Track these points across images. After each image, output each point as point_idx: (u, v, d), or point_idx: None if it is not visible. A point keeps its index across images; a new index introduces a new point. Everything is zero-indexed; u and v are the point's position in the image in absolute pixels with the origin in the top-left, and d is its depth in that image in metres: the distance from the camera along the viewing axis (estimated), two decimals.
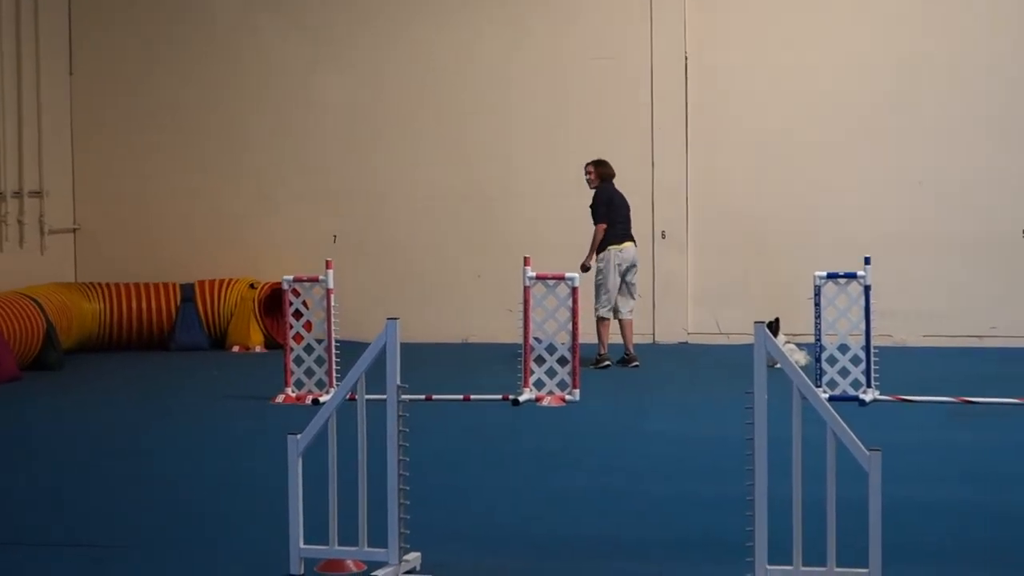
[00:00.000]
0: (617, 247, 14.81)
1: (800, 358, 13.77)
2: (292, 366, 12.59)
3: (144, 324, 17.20)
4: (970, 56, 16.51)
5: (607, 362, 14.76)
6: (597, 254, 14.88)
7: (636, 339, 15.11)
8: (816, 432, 5.98)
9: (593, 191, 15.01)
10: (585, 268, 14.72)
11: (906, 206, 16.63)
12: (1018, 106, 16.43)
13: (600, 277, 14.85)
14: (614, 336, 14.99)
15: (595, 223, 14.86)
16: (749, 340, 5.94)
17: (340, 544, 6.50)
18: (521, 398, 12.30)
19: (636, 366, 14.81)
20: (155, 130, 18.49)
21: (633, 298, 15.01)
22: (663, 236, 17.02)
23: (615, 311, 14.90)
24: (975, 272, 16.48)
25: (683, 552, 7.14)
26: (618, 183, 15.17)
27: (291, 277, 12.82)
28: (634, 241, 15.00)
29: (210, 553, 7.20)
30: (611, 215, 14.83)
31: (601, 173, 15.06)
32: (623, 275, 14.89)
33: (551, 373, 12.53)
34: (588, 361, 14.51)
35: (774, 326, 14.32)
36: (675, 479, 9.04)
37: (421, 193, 17.76)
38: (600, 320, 14.83)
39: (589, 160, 15.24)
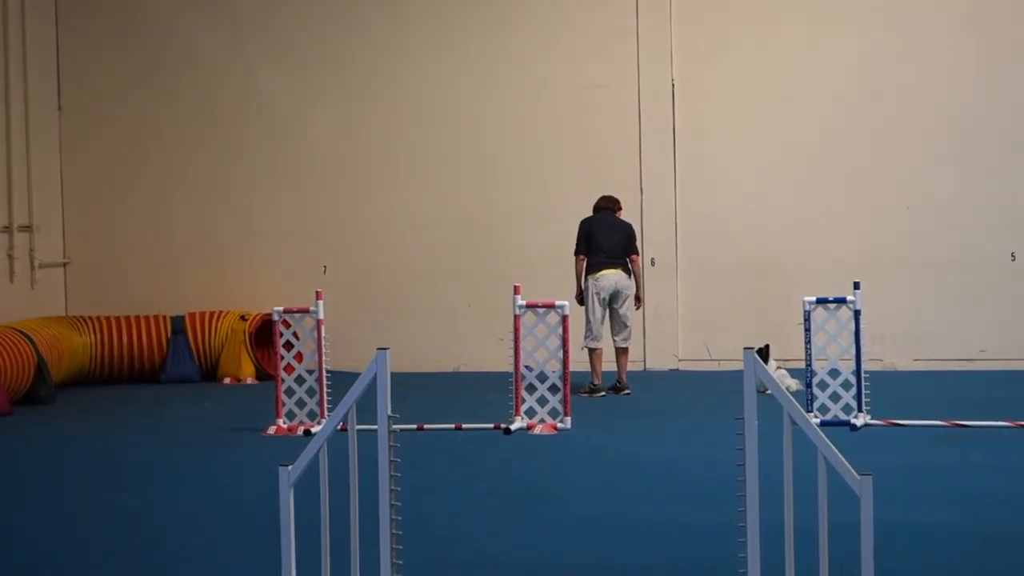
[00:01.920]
0: (593, 276, 14.82)
1: (791, 384, 13.79)
2: (283, 397, 12.58)
3: (135, 357, 17.20)
4: (959, 83, 16.59)
5: (601, 392, 14.76)
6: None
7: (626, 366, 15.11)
8: (807, 457, 5.98)
9: None
10: (578, 300, 14.76)
11: (895, 230, 16.68)
12: (1006, 131, 16.50)
13: (584, 308, 14.89)
14: (609, 364, 14.99)
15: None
16: (740, 366, 5.94)
17: None
18: (513, 427, 12.29)
19: (627, 394, 14.81)
20: (144, 164, 18.53)
21: (626, 326, 14.97)
22: (652, 263, 17.06)
23: (612, 339, 14.93)
24: (964, 295, 16.53)
25: None
26: None
27: (281, 308, 12.82)
28: (622, 268, 14.95)
29: None
30: (589, 246, 14.85)
31: (594, 206, 15.14)
32: (609, 304, 14.89)
33: (542, 401, 12.53)
34: (581, 388, 14.52)
35: (764, 352, 14.34)
36: (667, 505, 9.03)
37: (411, 223, 17.79)
38: (589, 351, 14.84)
39: None
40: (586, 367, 14.87)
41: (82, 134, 18.63)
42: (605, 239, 14.88)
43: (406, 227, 17.83)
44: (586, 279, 14.86)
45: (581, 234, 14.95)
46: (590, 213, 15.16)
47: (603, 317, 14.90)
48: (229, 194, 18.34)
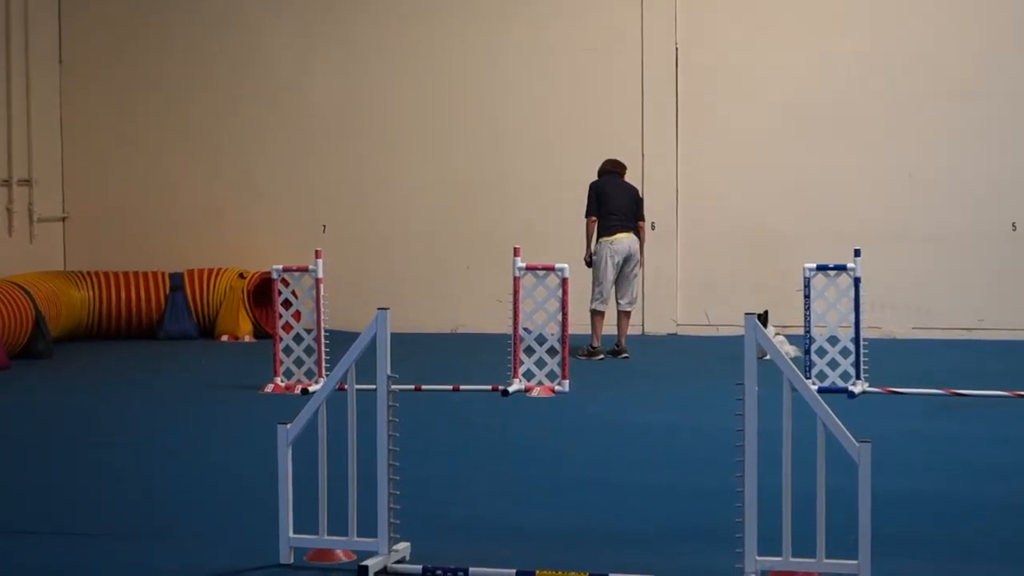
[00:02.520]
0: (608, 239, 14.78)
1: (790, 350, 13.78)
2: (281, 355, 12.57)
3: (133, 313, 17.19)
4: (959, 52, 16.53)
5: (600, 355, 14.74)
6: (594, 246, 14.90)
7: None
8: (806, 424, 5.98)
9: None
10: (586, 262, 14.74)
11: (895, 199, 16.65)
12: (1007, 101, 16.46)
13: (595, 270, 14.84)
14: (609, 328, 14.97)
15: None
16: (738, 332, 5.94)
17: (330, 534, 6.48)
18: (510, 388, 12.29)
19: (626, 358, 14.80)
20: (144, 119, 18.47)
21: (632, 290, 14.95)
22: (653, 227, 17.00)
23: (617, 302, 14.92)
24: (964, 265, 16.52)
25: (673, 543, 7.13)
26: None
27: (280, 266, 12.80)
28: (634, 232, 14.88)
29: (199, 542, 7.18)
30: (600, 208, 14.80)
31: (600, 170, 15.06)
32: (621, 267, 14.85)
33: (540, 364, 12.51)
34: (580, 350, 14.50)
35: (762, 318, 14.31)
36: (665, 470, 9.03)
37: (411, 183, 17.75)
38: (593, 313, 14.82)
39: None
40: (584, 330, 14.85)
41: (82, 88, 18.55)
42: (618, 202, 14.84)
43: (406, 188, 17.79)
44: (599, 241, 14.80)
45: (592, 196, 14.86)
46: (593, 177, 15.11)
47: (614, 280, 14.86)
48: (229, 151, 18.28)
